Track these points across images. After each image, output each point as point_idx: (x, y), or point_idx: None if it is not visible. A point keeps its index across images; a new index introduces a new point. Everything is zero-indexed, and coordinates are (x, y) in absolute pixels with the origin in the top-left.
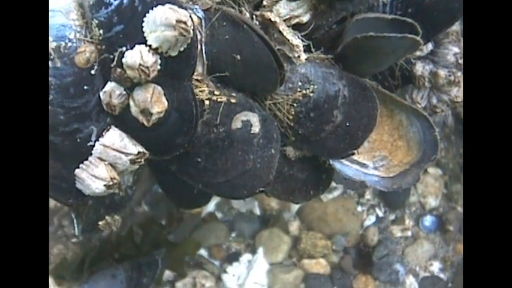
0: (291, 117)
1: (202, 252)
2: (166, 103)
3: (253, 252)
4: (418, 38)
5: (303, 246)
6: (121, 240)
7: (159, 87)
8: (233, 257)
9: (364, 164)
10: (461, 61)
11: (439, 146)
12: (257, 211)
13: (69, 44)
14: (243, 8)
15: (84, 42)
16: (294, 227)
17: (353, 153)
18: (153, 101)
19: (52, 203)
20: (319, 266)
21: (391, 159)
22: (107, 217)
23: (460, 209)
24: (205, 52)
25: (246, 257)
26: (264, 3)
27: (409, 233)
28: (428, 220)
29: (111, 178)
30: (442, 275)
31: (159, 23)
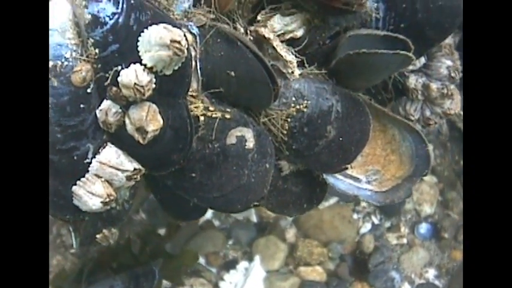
0: (285, 132)
1: (200, 259)
2: (161, 121)
3: (250, 259)
4: (410, 54)
5: (299, 253)
6: (119, 251)
7: (154, 106)
8: (230, 265)
9: (357, 178)
10: (453, 74)
11: (431, 160)
12: (254, 219)
13: (66, 63)
14: (237, 24)
15: (80, 61)
16: (291, 234)
17: (346, 168)
18: (149, 119)
19: None
20: (315, 273)
21: (383, 174)
22: (104, 230)
23: (455, 216)
24: (200, 68)
25: (243, 264)
26: (258, 18)
27: (404, 241)
28: (423, 227)
29: (108, 195)
30: (437, 282)
31: (153, 43)
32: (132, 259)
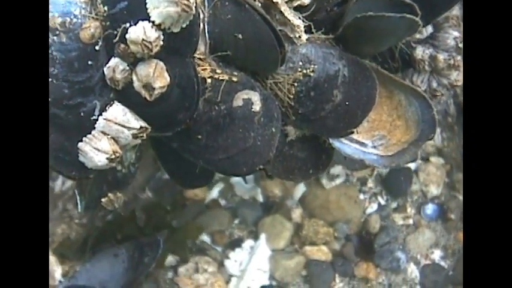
0: (291, 96)
1: (205, 238)
2: (168, 78)
3: (256, 238)
4: (417, 19)
5: (305, 233)
6: (124, 222)
7: (162, 63)
8: (236, 243)
9: (363, 143)
10: (461, 45)
11: (437, 125)
12: (260, 198)
13: (74, 20)
14: None
15: (89, 19)
16: (297, 214)
17: (352, 132)
18: (156, 76)
19: (57, 188)
20: (320, 252)
21: (389, 139)
22: (109, 194)
23: (461, 197)
24: (207, 31)
25: (248, 243)
26: None
27: (410, 221)
28: (430, 208)
29: (114, 151)
30: (443, 263)
31: None
32: (137, 230)
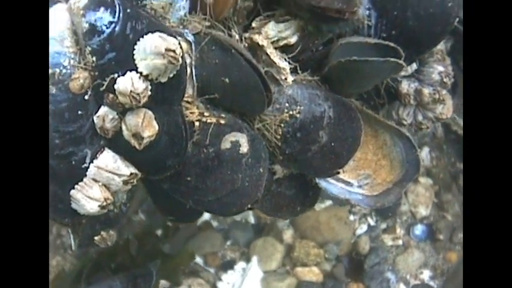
0: (278, 137)
1: (198, 260)
2: (157, 127)
3: (248, 260)
4: (401, 61)
5: (296, 254)
6: (117, 251)
7: (150, 112)
8: (228, 265)
9: (349, 183)
10: (446, 79)
11: (421, 166)
12: (252, 220)
13: (64, 71)
14: (232, 31)
15: (78, 69)
16: (288, 235)
17: (338, 173)
18: (144, 126)
19: None
20: (312, 274)
21: (375, 178)
22: (102, 232)
23: (450, 218)
24: (195, 75)
25: (240, 265)
26: (253, 25)
27: (400, 242)
28: (419, 229)
29: (105, 198)
30: (432, 283)
31: (149, 51)
32: (130, 260)
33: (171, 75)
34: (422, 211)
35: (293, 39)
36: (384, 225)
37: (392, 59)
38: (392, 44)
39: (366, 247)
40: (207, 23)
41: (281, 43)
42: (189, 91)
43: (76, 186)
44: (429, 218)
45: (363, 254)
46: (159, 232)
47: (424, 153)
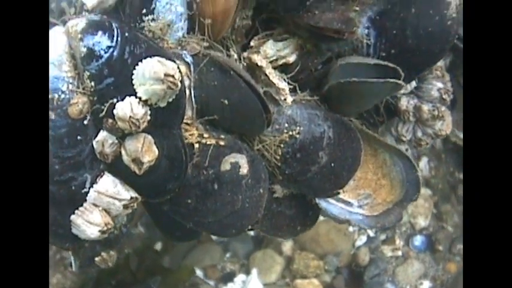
0: (278, 157)
1: (198, 272)
2: (156, 152)
3: (247, 272)
4: (400, 82)
5: (295, 266)
6: (118, 268)
7: (150, 137)
8: (228, 278)
9: (349, 203)
10: (445, 96)
11: (421, 186)
12: (251, 232)
13: (62, 96)
14: (231, 50)
15: (76, 94)
16: (287, 247)
17: (338, 193)
18: (144, 151)
19: None
20: (311, 286)
21: (375, 198)
22: (103, 253)
23: (449, 228)
24: (194, 96)
25: (240, 277)
26: (252, 43)
27: (399, 253)
28: (418, 240)
29: (106, 223)
30: None
31: (147, 77)
32: (130, 277)
33: (170, 100)
34: (422, 222)
35: (292, 58)
36: (383, 237)
37: (391, 80)
38: (391, 65)
39: (365, 258)
40: (206, 44)
41: (280, 62)
42: (188, 113)
43: (76, 211)
44: (428, 229)
45: (362, 266)
46: (158, 245)
47: (423, 163)
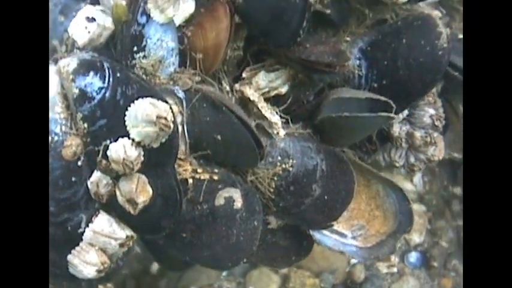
0: (271, 190)
1: None
2: (150, 191)
3: None
4: (392, 115)
5: (292, 284)
6: None
7: (144, 177)
8: None
9: (343, 234)
10: (437, 123)
11: (414, 218)
12: None
13: (56, 138)
14: (223, 83)
15: (70, 135)
16: None
17: (332, 225)
18: (139, 191)
19: None
20: None
21: (368, 229)
22: (99, 286)
23: (444, 244)
24: (187, 131)
25: None
26: (244, 75)
27: (395, 269)
28: (413, 256)
29: (102, 263)
30: None
31: (140, 119)
32: None
33: (163, 140)
34: (416, 238)
35: (284, 89)
36: None
37: (383, 114)
38: (383, 98)
39: (361, 275)
40: (197, 78)
41: (272, 93)
42: (182, 148)
43: (73, 251)
44: (423, 245)
45: (358, 283)
46: (154, 266)
47: (417, 178)
